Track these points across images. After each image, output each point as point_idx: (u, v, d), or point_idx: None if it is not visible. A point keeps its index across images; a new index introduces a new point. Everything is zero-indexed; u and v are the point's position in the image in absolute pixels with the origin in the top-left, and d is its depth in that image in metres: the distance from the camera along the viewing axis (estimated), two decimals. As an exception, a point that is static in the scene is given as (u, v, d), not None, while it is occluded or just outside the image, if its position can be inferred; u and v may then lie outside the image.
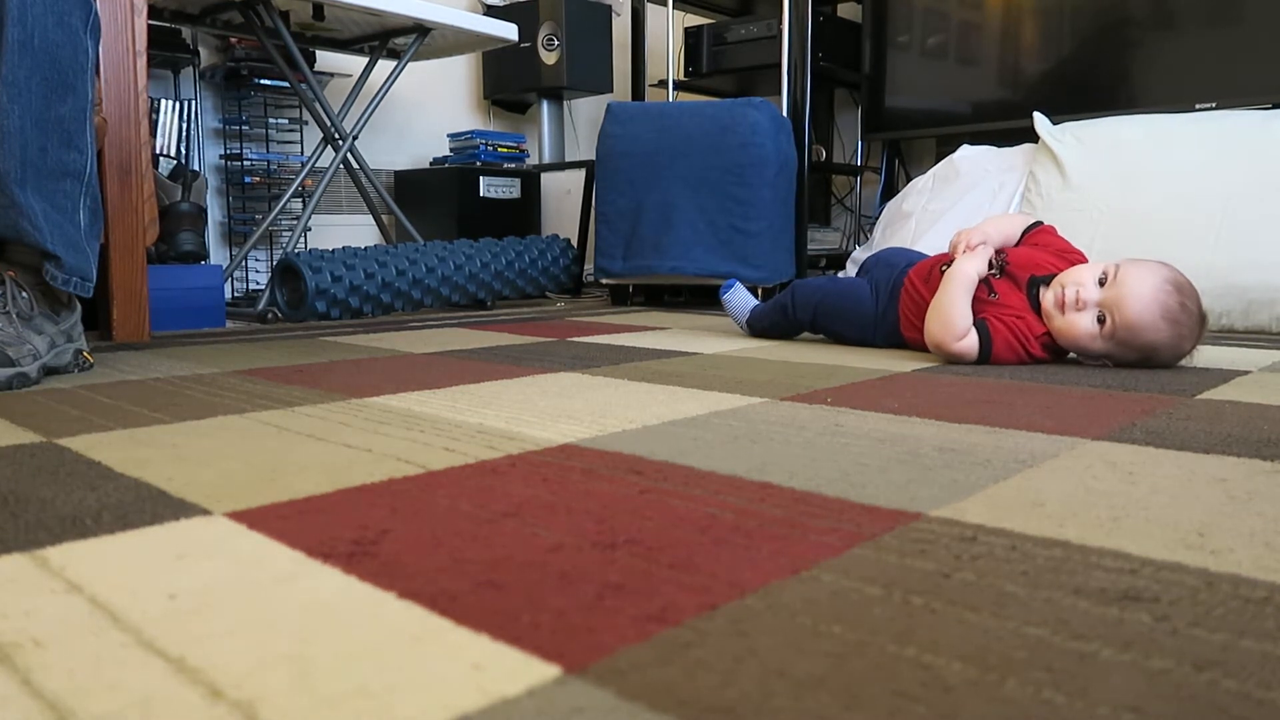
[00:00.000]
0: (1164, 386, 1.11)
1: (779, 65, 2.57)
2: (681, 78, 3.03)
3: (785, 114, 2.47)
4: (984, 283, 1.33)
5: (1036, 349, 1.29)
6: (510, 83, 3.11)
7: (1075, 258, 1.36)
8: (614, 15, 3.13)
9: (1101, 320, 1.23)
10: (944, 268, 1.38)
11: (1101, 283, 1.23)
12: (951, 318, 1.29)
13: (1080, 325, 1.24)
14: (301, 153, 2.68)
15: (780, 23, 2.54)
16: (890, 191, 2.82)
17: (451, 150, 3.03)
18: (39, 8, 1.14)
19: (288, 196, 2.27)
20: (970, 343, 1.29)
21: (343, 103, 2.39)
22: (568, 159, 3.18)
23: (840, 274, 2.44)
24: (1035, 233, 1.42)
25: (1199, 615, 0.43)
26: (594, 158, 2.47)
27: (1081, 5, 2.36)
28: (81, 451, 0.76)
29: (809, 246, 2.55)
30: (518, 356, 1.38)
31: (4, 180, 1.13)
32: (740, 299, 1.74)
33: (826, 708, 0.35)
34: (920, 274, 1.42)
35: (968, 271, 1.32)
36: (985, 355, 1.29)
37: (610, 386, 1.10)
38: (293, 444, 0.79)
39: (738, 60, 2.87)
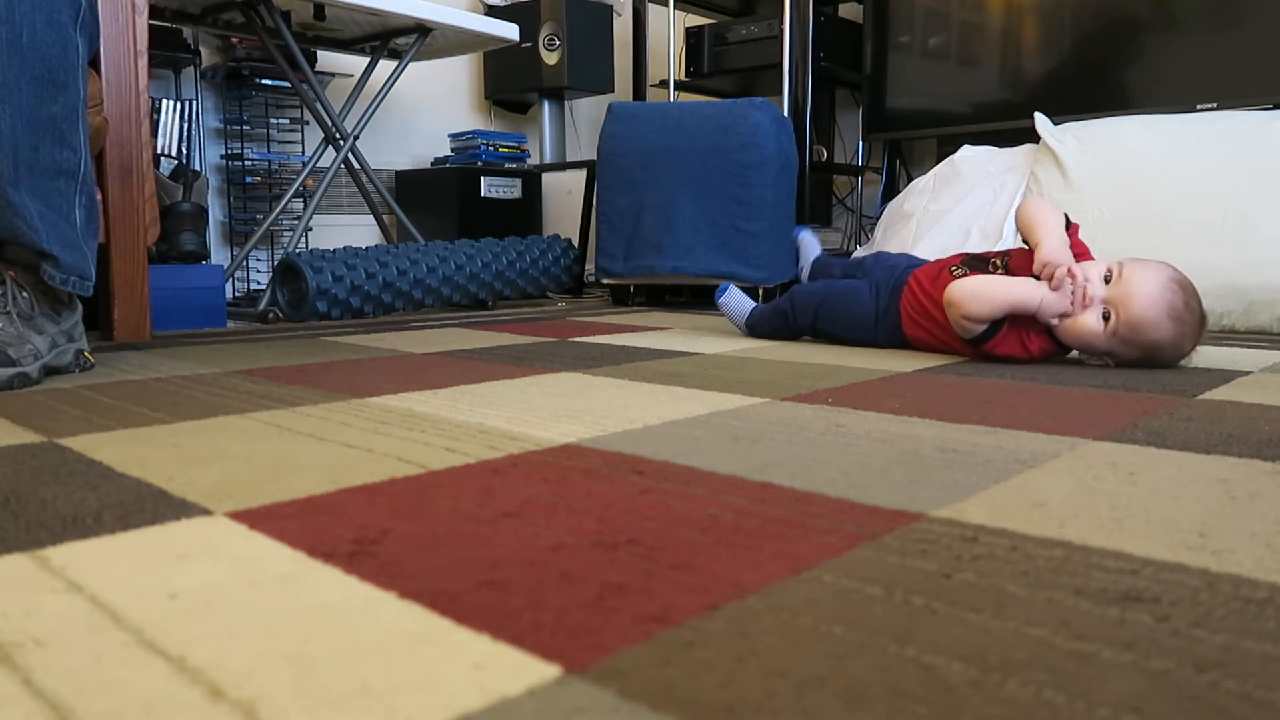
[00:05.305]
0: (1165, 387, 1.11)
1: (780, 65, 2.57)
2: (682, 78, 3.03)
3: (786, 114, 2.47)
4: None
5: (1035, 348, 1.30)
6: (511, 83, 3.11)
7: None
8: (615, 15, 3.13)
9: (1106, 317, 1.23)
10: (953, 269, 1.38)
11: (1106, 280, 1.24)
12: (985, 308, 1.29)
13: (1085, 323, 1.24)
14: (303, 153, 2.68)
15: (781, 23, 2.54)
16: (891, 192, 2.82)
17: (453, 150, 3.03)
18: (26, 6, 1.14)
19: (289, 196, 2.27)
20: (977, 327, 1.30)
21: (344, 103, 2.39)
22: (569, 159, 3.18)
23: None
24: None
25: (1200, 616, 0.43)
26: (595, 158, 2.47)
27: (1082, 6, 2.36)
28: (82, 451, 0.76)
29: (810, 247, 2.55)
30: (519, 356, 1.38)
31: None
32: (737, 302, 1.74)
33: (827, 708, 0.35)
34: (928, 274, 1.42)
35: (1033, 301, 1.25)
36: (980, 343, 1.31)
37: (611, 386, 1.10)
38: (294, 444, 0.79)
39: (739, 60, 2.87)
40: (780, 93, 2.56)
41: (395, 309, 2.15)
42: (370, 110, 2.34)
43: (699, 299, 2.58)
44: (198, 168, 2.47)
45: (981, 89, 2.55)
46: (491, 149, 2.98)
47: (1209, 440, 0.82)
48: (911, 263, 1.48)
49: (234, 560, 0.50)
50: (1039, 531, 0.56)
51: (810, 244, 1.89)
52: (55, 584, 0.47)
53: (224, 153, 2.61)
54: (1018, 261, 1.35)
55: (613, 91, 3.12)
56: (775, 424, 0.88)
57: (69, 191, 1.24)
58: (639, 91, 2.91)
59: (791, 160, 2.38)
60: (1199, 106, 2.14)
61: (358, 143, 2.33)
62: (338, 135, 2.31)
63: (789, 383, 1.13)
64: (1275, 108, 2.03)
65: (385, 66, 2.47)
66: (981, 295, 1.29)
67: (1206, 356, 1.33)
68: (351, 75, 2.65)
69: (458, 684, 0.37)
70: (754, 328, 1.68)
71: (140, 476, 0.68)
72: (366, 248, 2.12)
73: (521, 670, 0.38)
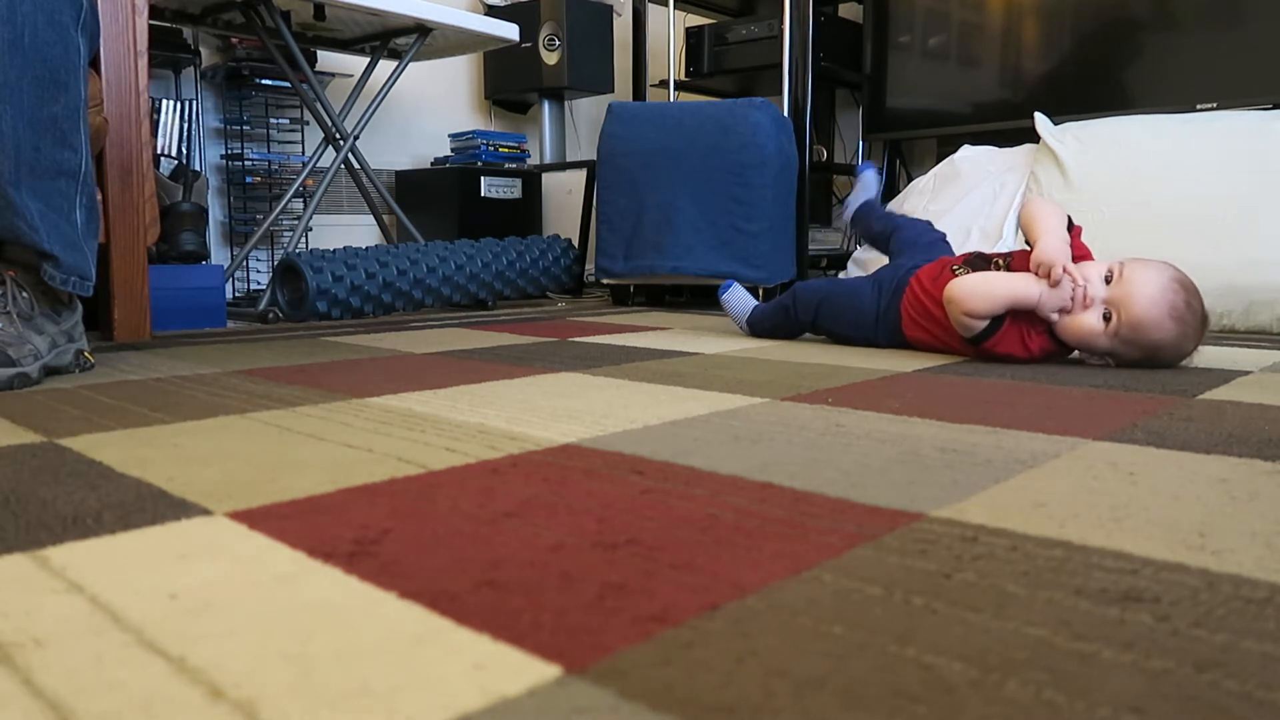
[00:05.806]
0: (1165, 386, 1.11)
1: (780, 65, 2.57)
2: (682, 78, 3.03)
3: (786, 114, 2.47)
4: None
5: (1035, 347, 1.30)
6: (511, 83, 3.11)
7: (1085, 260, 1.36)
8: (615, 15, 3.13)
9: (1107, 318, 1.23)
10: (955, 269, 1.38)
11: (1108, 280, 1.24)
12: (984, 304, 1.29)
13: (1087, 323, 1.24)
14: (303, 153, 2.68)
15: (781, 23, 2.54)
16: (891, 192, 2.82)
17: (453, 150, 3.03)
18: (28, 6, 1.14)
19: (289, 196, 2.27)
20: (978, 324, 1.30)
21: (344, 103, 2.39)
22: (569, 159, 3.18)
23: (841, 274, 2.44)
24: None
25: (1200, 616, 0.43)
26: (595, 158, 2.47)
27: (1082, 6, 2.36)
28: (82, 451, 0.76)
29: (810, 247, 2.55)
30: (519, 356, 1.38)
31: None
32: (739, 299, 1.74)
33: (827, 708, 0.35)
34: (930, 274, 1.42)
35: (1032, 295, 1.25)
36: (980, 341, 1.31)
37: (611, 386, 1.10)
38: (294, 444, 0.79)
39: (739, 60, 2.87)
40: (780, 93, 2.55)
41: (395, 309, 2.15)
42: (370, 110, 2.34)
43: (699, 299, 2.58)
44: (198, 168, 2.47)
45: (981, 89, 2.55)
46: (491, 149, 2.98)
47: (1209, 440, 0.81)
48: (915, 262, 1.48)
49: (234, 560, 0.50)
50: (1039, 531, 0.56)
51: (868, 184, 1.85)
52: (55, 584, 0.47)
53: (224, 153, 2.61)
54: (1019, 263, 1.35)
55: (613, 91, 3.12)
56: (775, 424, 0.88)
57: (70, 191, 1.24)
58: (639, 91, 2.91)
59: (791, 160, 2.38)
60: (1199, 106, 2.14)
61: (358, 143, 2.33)
62: (338, 135, 2.31)
63: (789, 383, 1.13)
64: (1275, 108, 2.03)
65: (385, 66, 2.47)
66: (981, 291, 1.29)
67: (1206, 356, 1.32)
68: (351, 75, 2.65)
69: (458, 684, 0.37)
70: (755, 325, 1.68)
71: (140, 476, 0.68)
72: (366, 248, 2.13)
73: (521, 670, 0.38)
